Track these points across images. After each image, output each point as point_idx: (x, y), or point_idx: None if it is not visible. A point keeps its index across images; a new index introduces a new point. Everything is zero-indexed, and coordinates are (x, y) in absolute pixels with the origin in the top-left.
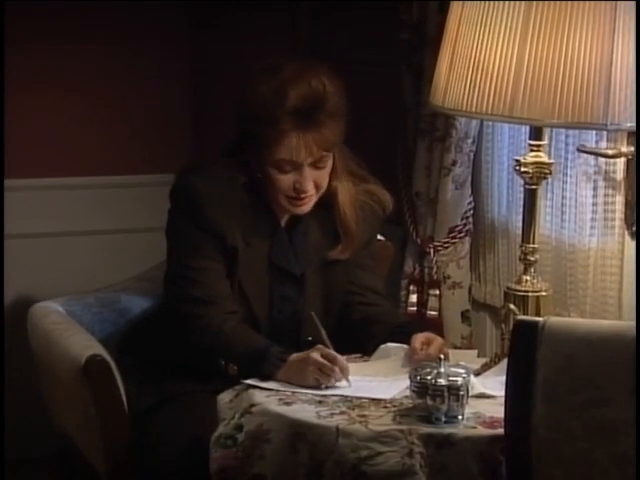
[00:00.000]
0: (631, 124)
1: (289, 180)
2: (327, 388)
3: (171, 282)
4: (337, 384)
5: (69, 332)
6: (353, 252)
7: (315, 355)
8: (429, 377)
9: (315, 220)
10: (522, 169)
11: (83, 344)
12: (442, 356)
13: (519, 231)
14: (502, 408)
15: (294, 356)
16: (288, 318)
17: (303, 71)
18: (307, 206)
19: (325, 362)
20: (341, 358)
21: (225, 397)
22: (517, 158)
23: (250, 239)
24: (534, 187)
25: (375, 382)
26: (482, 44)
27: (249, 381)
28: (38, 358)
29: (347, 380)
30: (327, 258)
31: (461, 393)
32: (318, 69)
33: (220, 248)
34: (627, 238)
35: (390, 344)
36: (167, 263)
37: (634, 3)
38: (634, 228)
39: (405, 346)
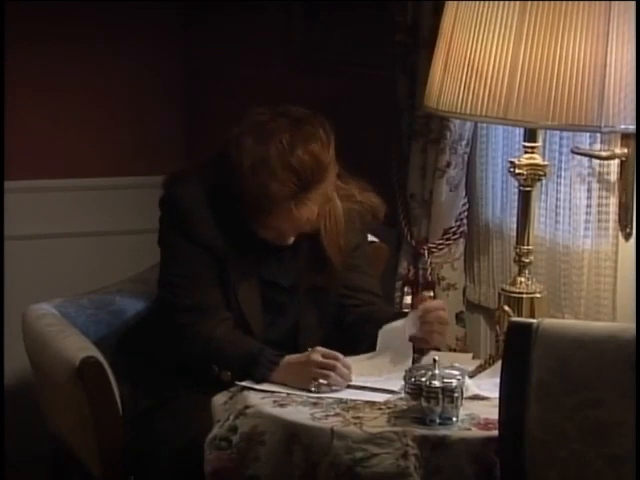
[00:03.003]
0: (625, 126)
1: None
2: (319, 392)
3: (163, 290)
4: (334, 388)
5: (63, 334)
6: (340, 264)
7: (315, 356)
8: (423, 379)
9: (305, 239)
10: (516, 171)
11: (77, 346)
12: (436, 357)
13: (513, 233)
14: (496, 410)
15: (291, 357)
16: (283, 330)
17: (293, 143)
18: (292, 240)
19: (327, 361)
20: (343, 357)
21: (220, 399)
22: (511, 160)
23: (239, 249)
24: (528, 189)
25: (369, 382)
26: (476, 46)
27: (244, 383)
28: (33, 360)
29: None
30: (317, 284)
31: (455, 395)
32: (310, 133)
33: (210, 258)
34: (621, 240)
35: (389, 325)
36: (159, 271)
37: (629, 4)
38: (628, 230)
39: (404, 320)
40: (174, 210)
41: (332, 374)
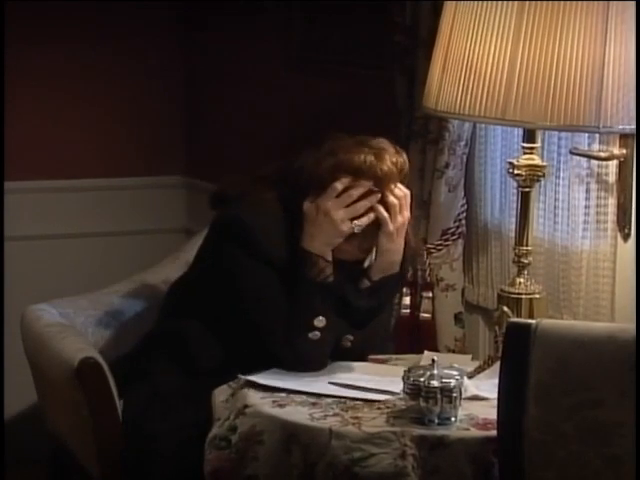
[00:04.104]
0: (623, 126)
1: None
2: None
3: (247, 311)
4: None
5: (62, 334)
6: None
7: (327, 204)
8: (422, 379)
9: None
10: (515, 172)
11: (76, 346)
12: (435, 358)
13: (512, 233)
14: (495, 410)
15: (307, 230)
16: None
17: (377, 156)
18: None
19: (341, 198)
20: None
21: (221, 395)
22: (510, 161)
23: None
24: (527, 190)
25: (372, 382)
26: (475, 46)
27: (250, 377)
28: (32, 360)
29: None
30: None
31: (454, 395)
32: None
33: (281, 277)
34: (620, 240)
35: None
36: (236, 301)
37: (627, 4)
38: (626, 230)
39: None
40: (241, 230)
41: (358, 205)
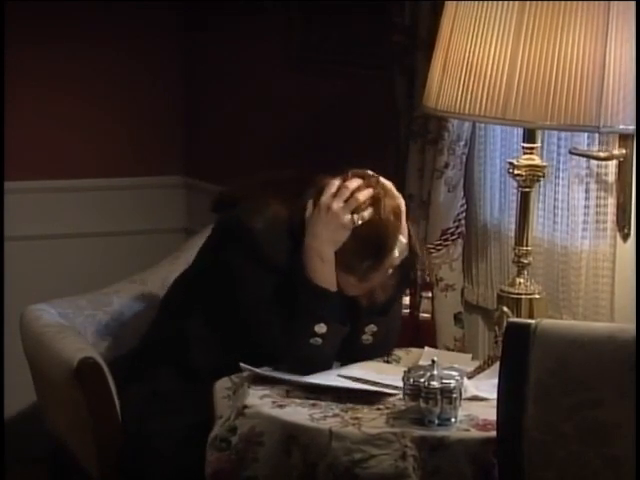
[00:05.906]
0: (624, 126)
1: None
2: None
3: (248, 321)
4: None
5: (61, 335)
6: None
7: (327, 201)
8: (422, 380)
9: None
10: (515, 172)
11: (75, 347)
12: (435, 358)
13: (511, 233)
14: (495, 410)
15: (311, 229)
16: None
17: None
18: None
19: (340, 191)
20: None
21: (222, 390)
22: (510, 161)
23: None
24: (527, 190)
25: (378, 379)
26: (475, 46)
27: (259, 370)
28: (31, 360)
29: None
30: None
31: (454, 396)
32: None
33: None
34: (619, 240)
35: None
36: (236, 305)
37: (628, 4)
38: (626, 230)
39: None
40: (243, 234)
41: (357, 195)
